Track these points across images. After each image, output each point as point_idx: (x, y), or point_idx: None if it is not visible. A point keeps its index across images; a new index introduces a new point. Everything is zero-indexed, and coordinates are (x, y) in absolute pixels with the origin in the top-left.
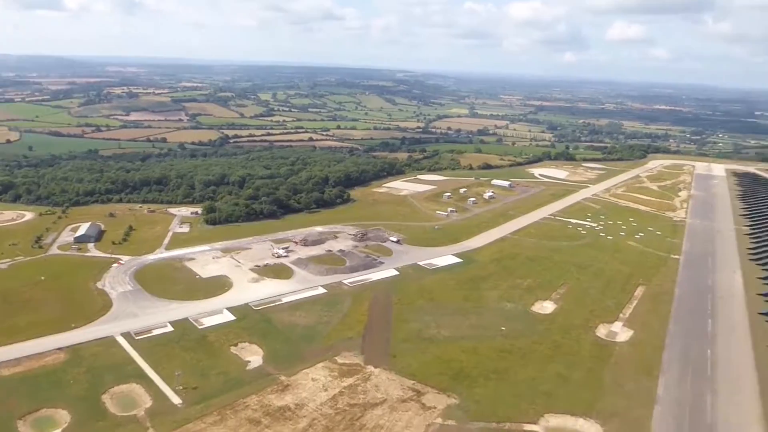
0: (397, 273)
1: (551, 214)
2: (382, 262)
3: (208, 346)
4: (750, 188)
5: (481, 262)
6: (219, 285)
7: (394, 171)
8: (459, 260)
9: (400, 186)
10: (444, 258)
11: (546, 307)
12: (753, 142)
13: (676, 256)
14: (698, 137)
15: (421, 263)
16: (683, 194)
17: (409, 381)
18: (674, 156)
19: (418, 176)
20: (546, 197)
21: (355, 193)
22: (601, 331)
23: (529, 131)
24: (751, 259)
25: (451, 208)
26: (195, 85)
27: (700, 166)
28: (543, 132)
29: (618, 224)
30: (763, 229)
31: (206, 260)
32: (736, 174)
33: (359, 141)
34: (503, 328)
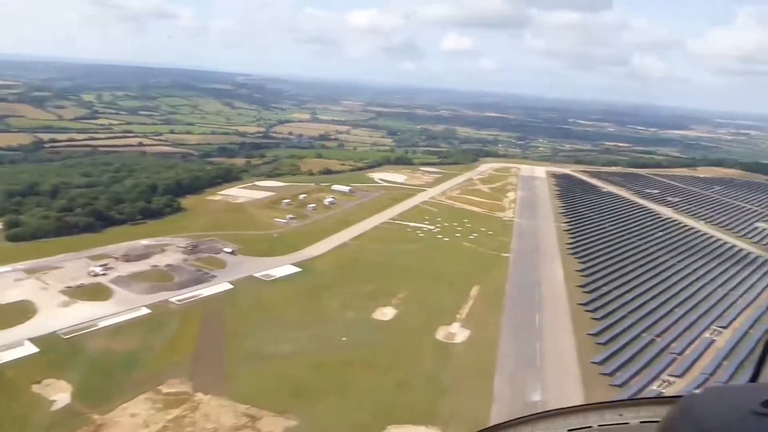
0: (231, 287)
1: (391, 218)
2: (215, 276)
3: (3, 387)
4: (566, 188)
5: (322, 270)
6: (19, 312)
7: (230, 177)
8: (298, 270)
9: (237, 193)
10: (282, 268)
11: (387, 313)
12: (568, 146)
13: (506, 255)
14: (522, 142)
15: (257, 275)
16: (511, 195)
17: (243, 406)
18: (502, 159)
19: (256, 183)
20: (386, 201)
21: (188, 201)
22: (441, 333)
23: (370, 136)
24: (569, 254)
25: (291, 216)
26: (4, 83)
27: (525, 169)
28: (383, 137)
29: (454, 226)
30: (578, 226)
31: (5, 284)
32: (554, 175)
33: (195, 146)
34: (344, 339)
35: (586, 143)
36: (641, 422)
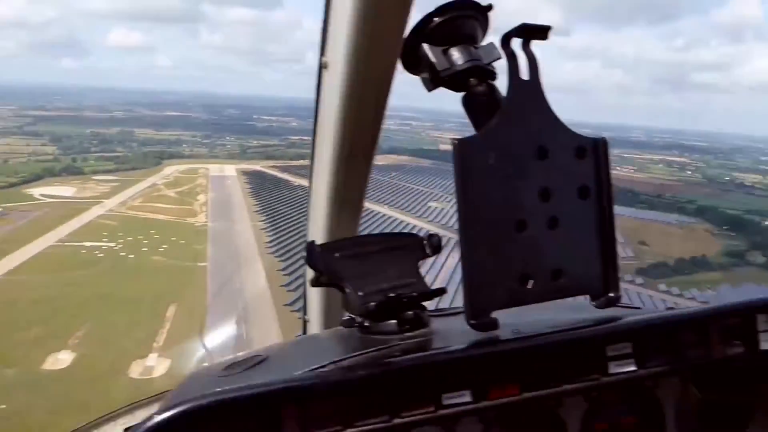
0: None
1: (60, 240)
2: None
3: None
4: (259, 185)
5: None
6: None
7: None
8: None
9: None
10: None
11: (63, 359)
12: (255, 142)
13: (204, 264)
14: (208, 140)
15: None
16: (201, 198)
17: None
18: (189, 161)
19: None
20: (52, 221)
21: None
22: (135, 369)
23: (27, 145)
24: (269, 253)
25: None
26: None
27: (214, 168)
28: (45, 145)
29: (139, 239)
30: (274, 223)
31: None
32: (246, 173)
33: None
34: (3, 406)
35: (273, 138)
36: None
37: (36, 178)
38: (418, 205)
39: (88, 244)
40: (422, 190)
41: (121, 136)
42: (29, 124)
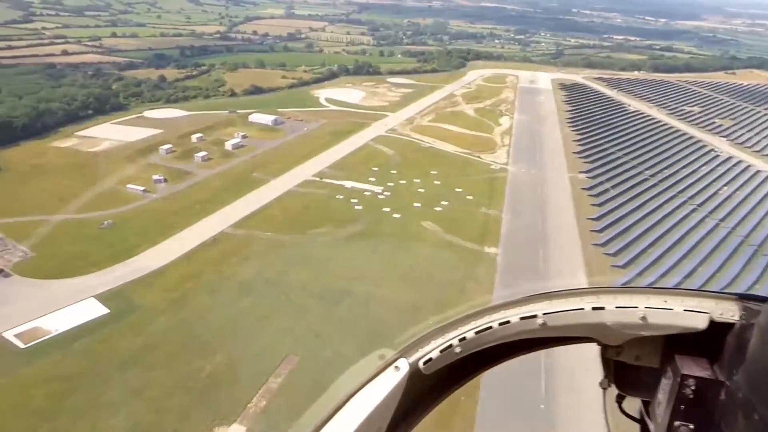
0: None
1: (320, 171)
2: None
3: None
4: (581, 108)
5: (148, 309)
6: None
7: (108, 107)
8: (103, 311)
9: (105, 133)
10: (73, 310)
11: None
12: (573, 40)
13: (493, 250)
14: (522, 36)
15: (12, 333)
16: (505, 121)
17: None
18: (497, 64)
19: (145, 114)
20: (322, 139)
21: (16, 151)
22: None
23: (348, 34)
24: (596, 244)
25: (158, 176)
26: None
27: (524, 76)
28: (363, 34)
29: (414, 184)
30: (607, 179)
31: None
32: (563, 86)
33: (131, 54)
34: None
35: (593, 37)
36: (685, 310)
37: (330, 76)
38: None
39: (349, 183)
40: None
41: (435, 27)
42: (355, 11)
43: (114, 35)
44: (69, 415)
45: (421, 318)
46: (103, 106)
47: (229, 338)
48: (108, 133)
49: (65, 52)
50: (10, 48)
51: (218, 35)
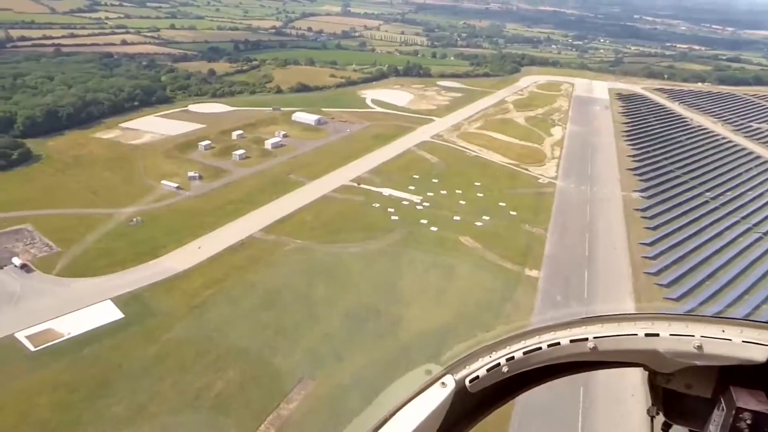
0: None
1: (358, 177)
2: None
3: None
4: (639, 120)
5: (165, 316)
6: None
7: (153, 99)
8: (118, 316)
9: (148, 126)
10: (87, 313)
11: None
12: (633, 48)
13: (534, 272)
14: (580, 42)
15: (25, 333)
16: (557, 132)
17: None
18: (552, 70)
19: (190, 107)
20: (364, 142)
21: (60, 141)
22: None
23: (402, 33)
24: (648, 273)
25: (193, 173)
26: None
27: (580, 85)
28: (417, 35)
29: (455, 196)
30: (664, 201)
31: None
32: (620, 96)
33: (187, 46)
34: None
35: (655, 44)
36: (743, 341)
37: (379, 76)
38: None
39: (387, 191)
40: None
41: (491, 30)
42: (411, 11)
43: (173, 27)
44: (70, 431)
45: (453, 347)
46: (149, 98)
47: (245, 353)
48: (151, 126)
49: (124, 42)
50: (72, 36)
51: (273, 30)
